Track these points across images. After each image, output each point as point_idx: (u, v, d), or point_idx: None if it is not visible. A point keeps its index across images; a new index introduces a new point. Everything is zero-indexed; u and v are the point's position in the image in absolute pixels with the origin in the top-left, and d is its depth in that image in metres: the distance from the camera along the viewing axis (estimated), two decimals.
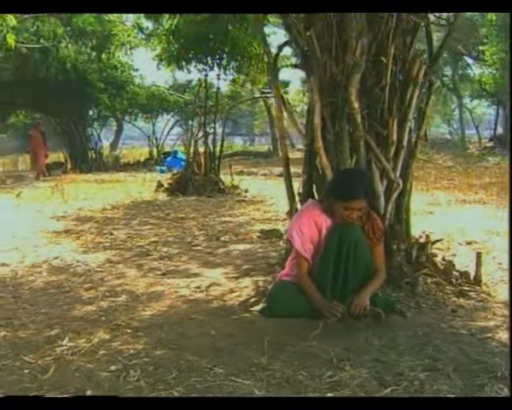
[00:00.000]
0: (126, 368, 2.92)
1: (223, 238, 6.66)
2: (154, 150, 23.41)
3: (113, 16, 16.97)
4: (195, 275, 4.97)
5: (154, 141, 23.56)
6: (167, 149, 23.28)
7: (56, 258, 5.59)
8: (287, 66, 5.28)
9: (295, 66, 6.75)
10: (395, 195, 4.52)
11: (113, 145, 29.95)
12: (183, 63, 11.67)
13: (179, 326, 3.57)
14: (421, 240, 4.77)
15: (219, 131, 13.09)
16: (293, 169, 4.95)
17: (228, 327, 3.56)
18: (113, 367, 2.94)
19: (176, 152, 18.68)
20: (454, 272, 4.57)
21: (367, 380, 2.77)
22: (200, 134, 12.21)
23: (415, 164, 4.75)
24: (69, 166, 19.90)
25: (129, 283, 4.69)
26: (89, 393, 2.66)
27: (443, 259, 4.79)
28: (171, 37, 10.57)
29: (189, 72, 11.63)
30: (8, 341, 3.37)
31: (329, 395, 2.62)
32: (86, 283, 4.70)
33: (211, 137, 12.25)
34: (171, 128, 24.32)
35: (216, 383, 2.74)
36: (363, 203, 3.74)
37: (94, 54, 18.01)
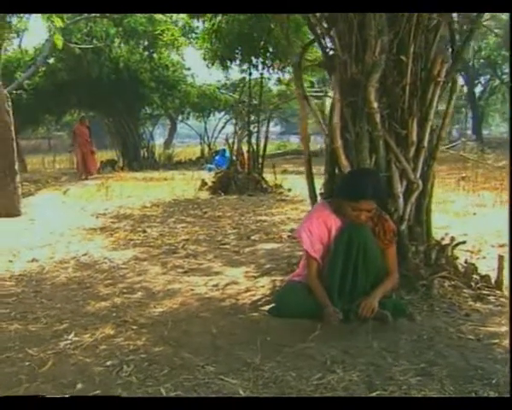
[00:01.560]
0: (121, 364, 2.99)
1: (253, 237, 6.68)
2: (206, 149, 23.64)
3: (164, 16, 17.22)
4: (216, 273, 5.01)
5: (206, 139, 23.78)
6: (219, 147, 23.45)
7: (85, 254, 5.73)
8: (311, 65, 5.23)
9: (319, 65, 6.68)
10: (414, 196, 4.45)
11: (167, 144, 30.36)
12: (228, 62, 11.74)
13: (184, 324, 3.62)
14: (444, 242, 4.68)
15: (265, 129, 12.97)
16: None
17: (232, 326, 3.58)
18: (109, 362, 3.01)
19: (224, 151, 18.77)
20: (474, 276, 4.47)
21: (355, 383, 2.75)
22: (244, 133, 12.25)
23: (436, 165, 4.64)
24: (121, 164, 20.30)
25: (148, 280, 4.77)
26: (79, 387, 2.73)
27: (465, 261, 4.68)
28: (213, 36, 10.64)
29: (226, 70, 11.64)
30: (18, 333, 3.50)
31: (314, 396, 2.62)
32: (107, 279, 4.80)
33: (255, 136, 12.28)
34: (223, 127, 24.49)
35: (203, 382, 2.77)
36: (373, 204, 3.69)
37: (146, 53, 18.29)
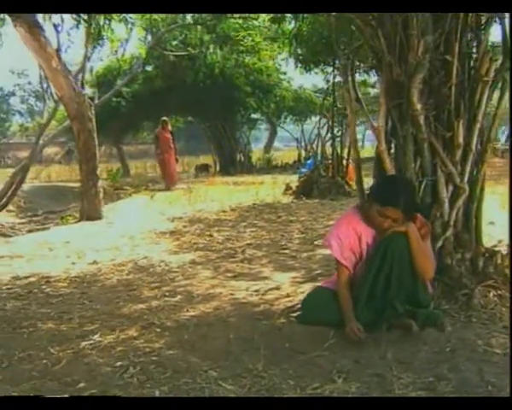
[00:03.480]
0: (129, 365, 3.06)
1: (316, 242, 6.63)
2: (303, 152, 23.62)
3: (257, 22, 17.35)
4: (264, 278, 5.03)
5: (303, 143, 23.77)
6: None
7: (145, 258, 5.91)
8: (361, 67, 5.11)
9: (370, 67, 6.53)
10: (461, 201, 4.27)
11: (267, 148, 30.63)
12: (311, 66, 11.72)
13: (207, 328, 3.66)
14: (496, 249, 4.45)
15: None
16: None
17: (253, 332, 3.58)
18: (118, 363, 3.10)
19: (315, 154, 18.73)
20: None
21: (349, 395, 2.68)
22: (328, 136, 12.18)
23: (485, 169, 4.43)
24: (217, 168, 20.70)
25: (194, 284, 4.85)
26: (80, 385, 2.83)
27: None
28: (294, 40, 10.65)
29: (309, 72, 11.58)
30: (48, 333, 3.68)
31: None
32: (155, 282, 4.93)
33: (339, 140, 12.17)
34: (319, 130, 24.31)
35: (200, 386, 2.79)
36: (399, 215, 3.55)
37: (240, 58, 18.58)
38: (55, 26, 8.88)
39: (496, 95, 4.46)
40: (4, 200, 10.61)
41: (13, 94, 50.93)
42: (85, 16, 9.17)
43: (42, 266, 5.67)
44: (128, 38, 17.88)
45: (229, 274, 5.19)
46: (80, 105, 8.85)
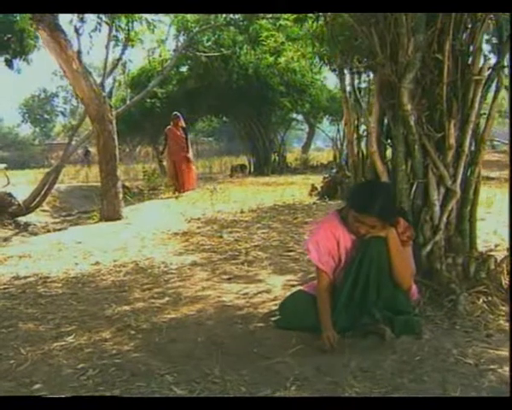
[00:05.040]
0: (91, 367, 3.08)
1: None
2: (338, 153, 23.45)
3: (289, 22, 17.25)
4: (258, 281, 4.99)
5: (338, 143, 23.60)
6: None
7: (147, 259, 5.95)
8: (357, 67, 4.96)
9: (366, 68, 6.36)
10: (451, 204, 4.17)
11: (305, 148, 30.48)
12: (335, 66, 11.58)
13: (180, 331, 3.66)
14: (491, 253, 4.33)
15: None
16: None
17: (225, 336, 3.56)
18: (80, 365, 3.12)
19: (348, 154, 18.56)
20: None
21: None
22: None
23: (480, 170, 4.31)
24: (251, 169, 20.70)
25: (187, 286, 4.86)
26: (36, 387, 2.86)
27: None
28: (315, 40, 10.54)
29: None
30: (26, 333, 3.74)
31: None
32: (149, 283, 4.95)
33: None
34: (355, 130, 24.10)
35: (151, 390, 2.79)
36: (376, 222, 3.48)
37: (272, 59, 18.51)
38: (76, 29, 9.00)
39: (490, 94, 4.35)
40: (38, 200, 10.78)
41: (56, 95, 52.13)
42: (106, 18, 9.26)
43: (45, 266, 5.77)
44: (165, 38, 18.09)
45: (225, 276, 5.18)
46: (100, 106, 8.96)
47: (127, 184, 15.73)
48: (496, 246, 4.57)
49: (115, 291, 4.74)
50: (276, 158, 21.70)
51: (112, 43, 9.89)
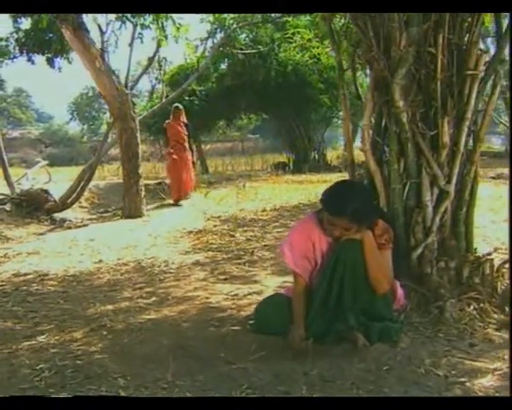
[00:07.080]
0: (48, 368, 3.06)
1: None
2: None
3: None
4: (254, 282, 4.91)
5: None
6: None
7: (151, 258, 5.93)
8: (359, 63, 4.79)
9: (364, 64, 6.17)
10: (445, 205, 4.01)
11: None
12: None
13: (151, 333, 3.61)
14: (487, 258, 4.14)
15: None
16: None
17: (195, 338, 3.50)
18: (40, 366, 3.09)
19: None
20: None
21: None
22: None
23: (476, 171, 4.12)
24: (291, 166, 20.57)
25: (180, 286, 4.82)
26: None
27: None
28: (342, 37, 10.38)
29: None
30: (2, 331, 3.75)
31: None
32: (143, 283, 4.94)
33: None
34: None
35: (100, 393, 2.74)
36: (349, 224, 3.35)
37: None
38: (100, 28, 9.09)
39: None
40: (74, 196, 10.91)
41: None
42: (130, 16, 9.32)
43: (49, 263, 5.82)
44: (208, 36, 18.05)
45: (222, 277, 5.12)
46: (123, 104, 9.02)
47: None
48: (495, 249, 4.35)
49: (106, 290, 4.73)
50: (316, 156, 21.48)
51: (137, 41, 9.89)
